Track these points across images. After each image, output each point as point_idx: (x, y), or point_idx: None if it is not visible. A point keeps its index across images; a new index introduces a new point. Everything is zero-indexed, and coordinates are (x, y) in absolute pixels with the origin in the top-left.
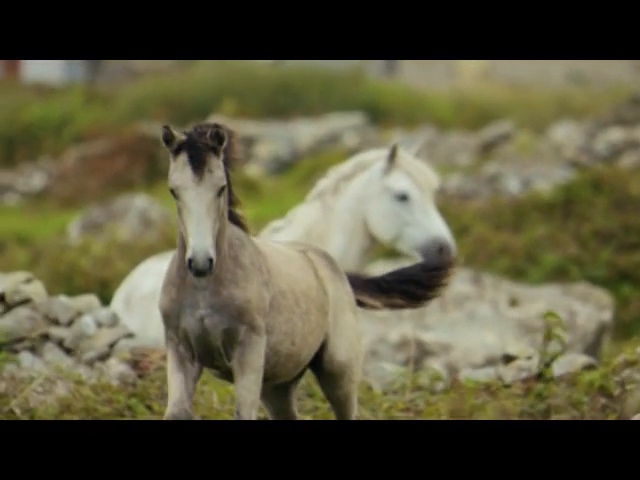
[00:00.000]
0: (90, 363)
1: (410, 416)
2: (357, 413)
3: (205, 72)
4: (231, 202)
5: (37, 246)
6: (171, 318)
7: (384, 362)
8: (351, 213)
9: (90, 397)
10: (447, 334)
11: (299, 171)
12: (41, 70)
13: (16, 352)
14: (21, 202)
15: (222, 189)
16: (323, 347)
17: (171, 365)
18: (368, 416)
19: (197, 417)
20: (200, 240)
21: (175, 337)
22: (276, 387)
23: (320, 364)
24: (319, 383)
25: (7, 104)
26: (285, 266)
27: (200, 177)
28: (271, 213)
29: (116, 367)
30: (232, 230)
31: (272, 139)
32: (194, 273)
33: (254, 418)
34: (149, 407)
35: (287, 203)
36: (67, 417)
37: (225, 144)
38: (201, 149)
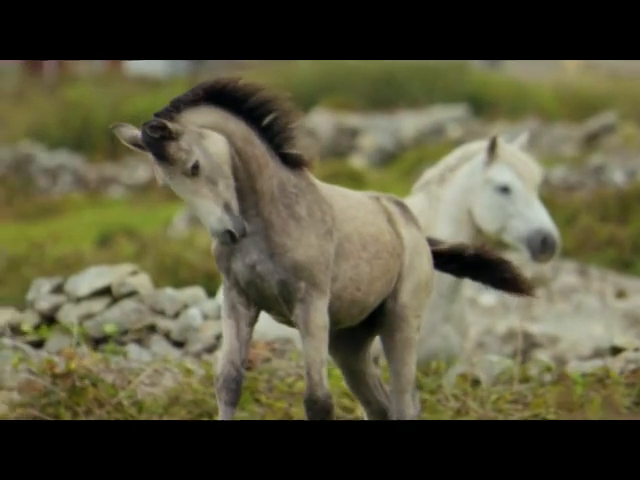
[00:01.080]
0: (197, 355)
1: (518, 408)
2: (413, 379)
3: (308, 64)
4: (283, 146)
5: (143, 238)
6: (221, 261)
7: (491, 354)
8: (456, 204)
9: (199, 389)
10: (554, 326)
11: (403, 163)
12: (145, 63)
13: (123, 344)
14: (126, 194)
15: (195, 167)
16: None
17: (223, 311)
18: (476, 408)
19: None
20: (208, 221)
21: (227, 281)
22: (350, 347)
23: (384, 302)
24: (378, 326)
25: (111, 97)
26: (353, 210)
27: (168, 172)
28: None
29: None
30: (288, 177)
31: (376, 131)
32: (230, 243)
33: (324, 377)
34: (257, 400)
35: (392, 194)
36: (175, 409)
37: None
38: (154, 146)
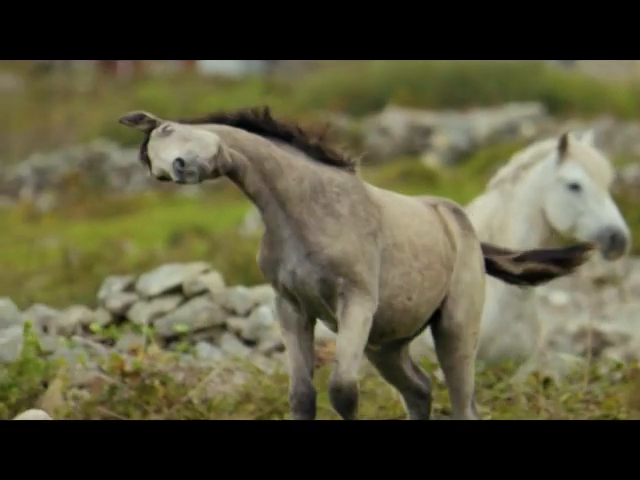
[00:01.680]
0: (267, 354)
1: (590, 408)
2: (471, 392)
3: (381, 63)
4: (322, 150)
5: (214, 237)
6: (267, 272)
7: (563, 353)
8: (530, 202)
9: (270, 386)
10: (626, 324)
11: (477, 161)
12: (219, 63)
13: (194, 343)
14: (199, 193)
15: (165, 128)
16: (443, 303)
17: (279, 324)
18: (547, 407)
19: (374, 408)
20: (163, 160)
21: (276, 291)
22: (386, 347)
23: (438, 321)
24: (435, 345)
25: (184, 96)
26: (407, 218)
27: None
28: None
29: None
30: (331, 178)
31: (450, 130)
32: (180, 178)
33: (353, 368)
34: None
35: (465, 193)
36: (246, 407)
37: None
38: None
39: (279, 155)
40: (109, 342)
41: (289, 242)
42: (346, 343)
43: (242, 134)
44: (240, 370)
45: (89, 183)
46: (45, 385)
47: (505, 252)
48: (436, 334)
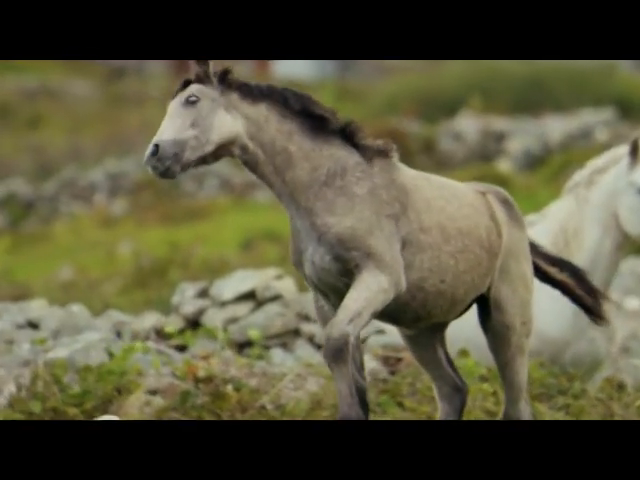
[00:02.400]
0: None
1: None
2: (525, 397)
3: (454, 68)
4: (353, 137)
5: (287, 242)
6: (297, 268)
7: (636, 359)
8: (603, 207)
9: None
10: None
11: (550, 166)
12: (292, 67)
13: (267, 348)
14: (271, 198)
15: (189, 99)
16: (488, 292)
17: (319, 322)
18: (621, 413)
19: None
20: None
21: (309, 287)
22: (420, 335)
23: (487, 313)
24: (487, 340)
25: None
26: (442, 201)
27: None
28: (523, 208)
29: (367, 363)
30: (356, 163)
31: (523, 135)
32: (146, 163)
33: (351, 325)
34: (400, 404)
35: (538, 198)
36: (317, 413)
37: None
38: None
39: (296, 147)
40: (182, 348)
41: (303, 232)
42: (351, 301)
43: (269, 125)
44: (313, 376)
45: (162, 188)
46: (119, 391)
47: (547, 255)
48: (487, 328)
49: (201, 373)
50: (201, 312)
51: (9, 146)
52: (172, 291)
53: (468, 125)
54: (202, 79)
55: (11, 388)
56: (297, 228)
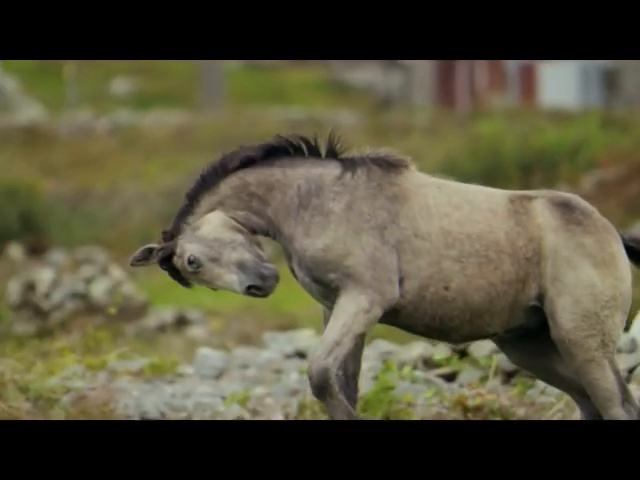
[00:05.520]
0: None
1: None
2: (615, 407)
3: None
4: (334, 152)
5: None
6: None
7: None
8: None
9: None
10: None
11: None
12: (558, 96)
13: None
14: None
15: (190, 262)
16: (542, 303)
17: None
18: None
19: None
20: (235, 290)
21: None
22: (538, 349)
23: (549, 325)
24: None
25: (521, 130)
26: (447, 208)
27: (186, 279)
28: None
29: (634, 392)
30: (335, 178)
31: None
32: (263, 293)
33: (329, 358)
34: None
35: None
36: None
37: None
38: (166, 269)
39: (255, 185)
40: (448, 377)
41: (295, 260)
42: (328, 332)
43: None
44: None
45: None
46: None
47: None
48: (552, 341)
49: (470, 402)
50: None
51: None
52: None
53: None
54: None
55: (278, 417)
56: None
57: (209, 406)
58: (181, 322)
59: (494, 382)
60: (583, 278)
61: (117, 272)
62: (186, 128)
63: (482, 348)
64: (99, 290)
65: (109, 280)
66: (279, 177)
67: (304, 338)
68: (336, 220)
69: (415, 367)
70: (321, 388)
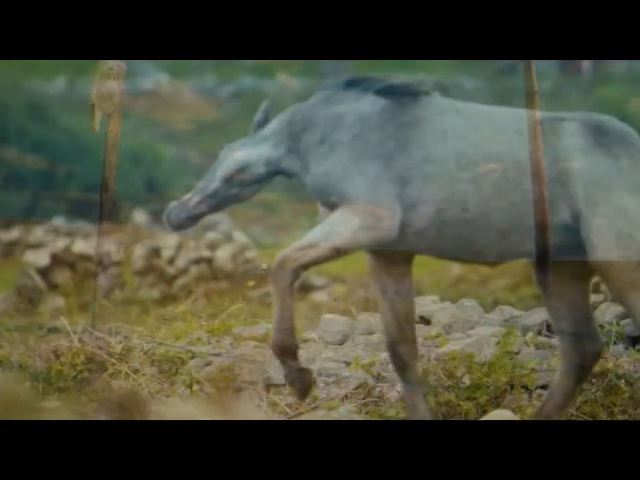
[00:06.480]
0: None
1: None
2: None
3: None
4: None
5: None
6: None
7: None
8: None
9: None
10: None
11: None
12: None
13: None
14: None
15: None
16: (577, 223)
17: None
18: None
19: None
20: None
21: None
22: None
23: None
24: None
25: None
26: (465, 130)
27: None
28: None
29: None
30: (357, 110)
31: None
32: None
33: (295, 254)
34: None
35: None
36: None
37: None
38: None
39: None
40: None
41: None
42: (308, 234)
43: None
44: None
45: None
46: (512, 386)
47: None
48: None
49: (595, 368)
50: (594, 307)
51: None
52: None
53: None
54: None
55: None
56: None
57: (333, 371)
58: (305, 288)
59: (619, 347)
60: (616, 200)
61: (241, 237)
62: (310, 94)
63: (606, 315)
64: (224, 255)
65: (233, 246)
66: (307, 117)
67: (428, 303)
68: (340, 149)
69: (540, 332)
70: (276, 275)
